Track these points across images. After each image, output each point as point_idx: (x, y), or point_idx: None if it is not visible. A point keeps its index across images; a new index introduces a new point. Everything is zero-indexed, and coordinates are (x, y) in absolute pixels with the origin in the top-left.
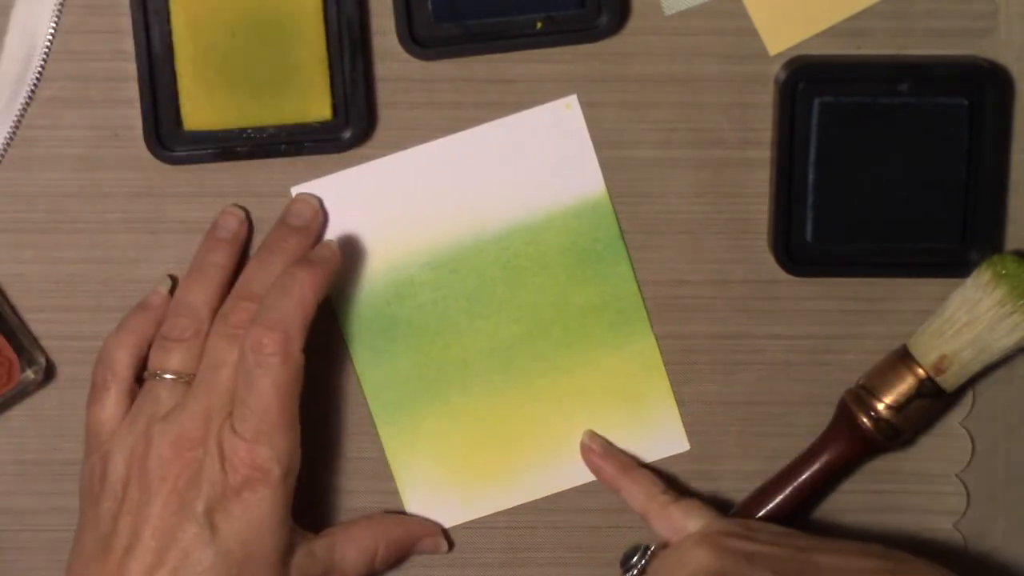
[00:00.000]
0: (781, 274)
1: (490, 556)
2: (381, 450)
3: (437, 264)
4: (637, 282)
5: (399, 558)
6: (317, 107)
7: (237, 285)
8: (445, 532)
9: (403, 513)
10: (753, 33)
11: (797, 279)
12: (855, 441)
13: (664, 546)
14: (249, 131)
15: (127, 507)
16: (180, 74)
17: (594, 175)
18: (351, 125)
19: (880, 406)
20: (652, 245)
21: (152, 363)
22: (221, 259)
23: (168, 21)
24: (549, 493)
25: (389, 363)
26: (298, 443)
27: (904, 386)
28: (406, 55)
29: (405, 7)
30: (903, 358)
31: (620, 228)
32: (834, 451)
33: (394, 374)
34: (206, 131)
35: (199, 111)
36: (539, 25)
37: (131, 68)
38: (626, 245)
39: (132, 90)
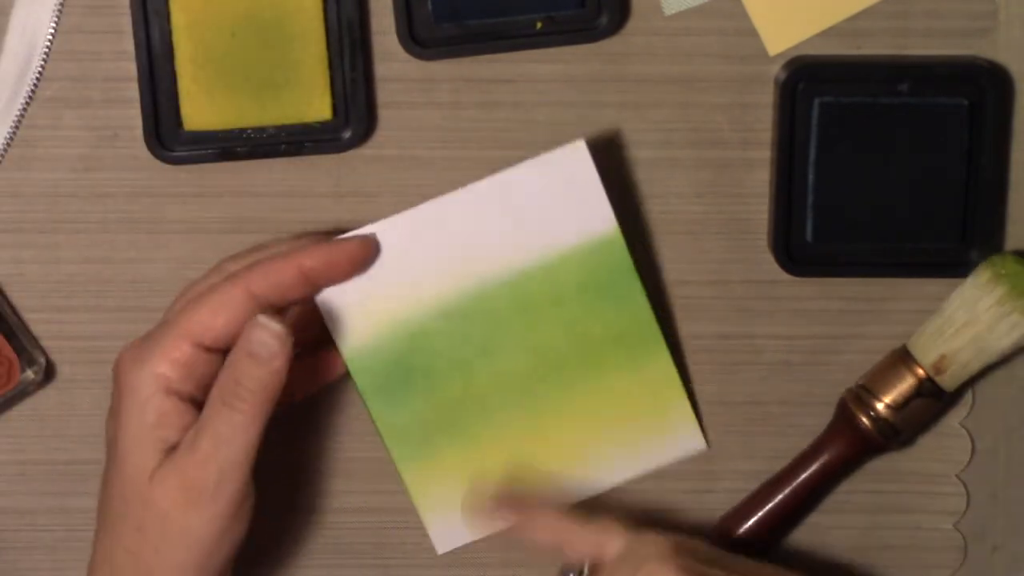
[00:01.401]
0: (781, 274)
1: (490, 556)
2: (380, 450)
3: (450, 313)
4: (653, 310)
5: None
6: (317, 107)
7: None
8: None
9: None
10: (753, 33)
11: (797, 279)
12: (855, 441)
13: (594, 567)
14: (249, 131)
15: None
16: (180, 74)
17: (605, 213)
18: (351, 125)
19: (880, 406)
20: (652, 245)
21: None
22: None
23: (168, 21)
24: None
25: (406, 409)
26: None
27: (904, 386)
28: (406, 55)
29: (405, 7)
30: (903, 358)
31: (634, 263)
32: (834, 451)
33: (411, 417)
34: (206, 131)
35: (199, 111)
36: (539, 25)
37: (131, 68)
38: (641, 279)
39: (132, 90)
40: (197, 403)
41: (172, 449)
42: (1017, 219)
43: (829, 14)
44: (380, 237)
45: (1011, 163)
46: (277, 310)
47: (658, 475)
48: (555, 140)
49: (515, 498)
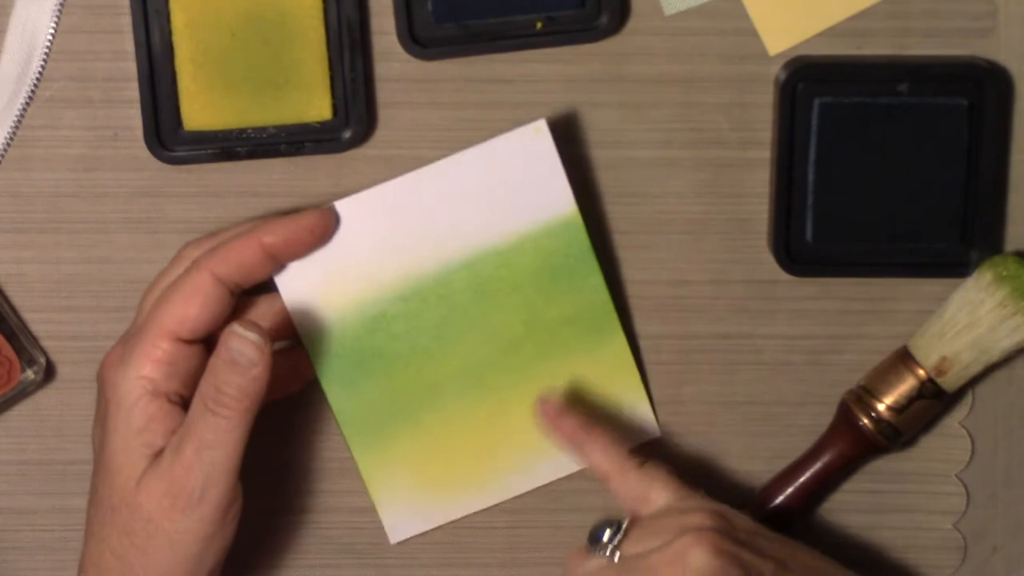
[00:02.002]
0: (781, 274)
1: (490, 556)
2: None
3: (408, 296)
4: (608, 290)
5: None
6: (317, 107)
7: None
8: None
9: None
10: (753, 33)
11: (797, 279)
12: (856, 442)
13: (633, 520)
14: (249, 131)
15: None
16: (180, 74)
17: (565, 195)
18: (351, 125)
19: (881, 407)
20: (652, 245)
21: None
22: None
23: (168, 21)
24: (526, 491)
25: (361, 394)
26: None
27: (905, 387)
28: (406, 55)
29: (405, 7)
30: (904, 359)
31: (592, 242)
32: (835, 451)
33: (367, 403)
34: (206, 131)
35: (199, 111)
36: (539, 25)
37: (131, 68)
38: (598, 258)
39: (132, 90)
40: (183, 401)
41: (158, 454)
42: (1017, 219)
43: (829, 14)
44: (341, 213)
45: (1011, 163)
46: (262, 305)
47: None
48: (555, 140)
49: (581, 418)
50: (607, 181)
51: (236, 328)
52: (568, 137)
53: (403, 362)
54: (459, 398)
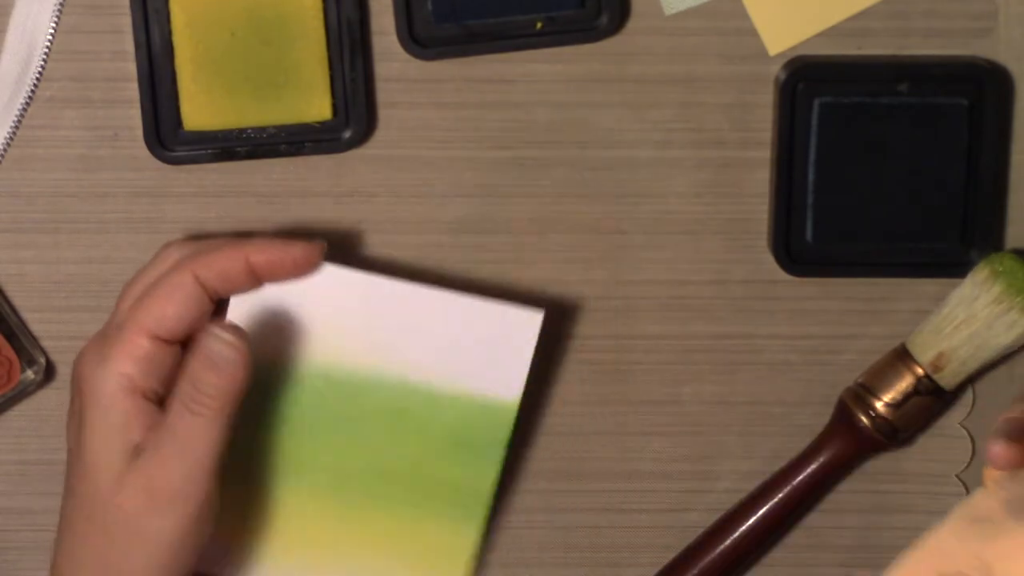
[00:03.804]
0: (781, 274)
1: (490, 556)
2: None
3: (332, 381)
4: (495, 492)
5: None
6: (317, 107)
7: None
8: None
9: None
10: (753, 33)
11: (797, 279)
12: (854, 440)
13: None
14: (249, 131)
15: None
16: (180, 74)
17: (517, 385)
18: (351, 125)
19: (878, 404)
20: (652, 245)
21: None
22: None
23: (168, 21)
24: None
25: (239, 434)
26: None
27: (902, 384)
28: (406, 55)
29: (405, 7)
30: (901, 356)
31: (511, 441)
32: (833, 450)
33: (238, 446)
34: (206, 131)
35: (199, 111)
36: (539, 25)
37: (131, 68)
38: (505, 459)
39: (132, 90)
40: (160, 399)
41: (137, 451)
42: (1017, 219)
43: (829, 14)
44: (323, 275)
45: (1011, 163)
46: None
47: (658, 475)
48: (555, 140)
49: None
50: (607, 181)
51: (214, 329)
52: (569, 137)
53: (289, 430)
54: (316, 490)
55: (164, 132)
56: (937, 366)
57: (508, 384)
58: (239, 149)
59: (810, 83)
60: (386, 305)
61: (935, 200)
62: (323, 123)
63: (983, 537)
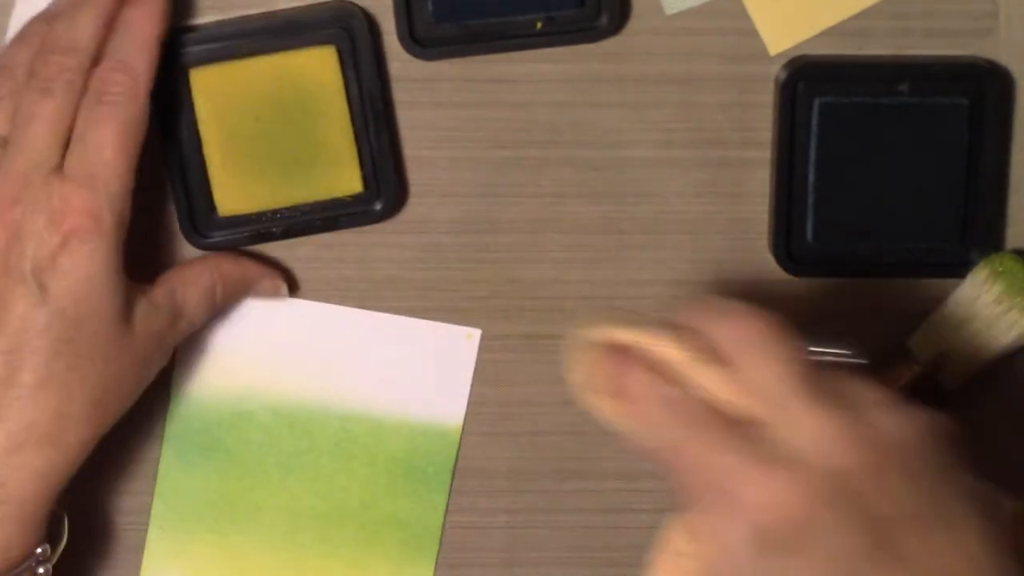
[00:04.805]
0: (781, 274)
1: (490, 556)
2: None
3: (281, 414)
4: (444, 519)
5: (238, 297)
6: (347, 181)
7: (43, 41)
8: (289, 274)
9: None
10: (753, 33)
11: (797, 279)
12: None
13: None
14: (283, 211)
15: None
16: (209, 162)
17: (459, 408)
18: (383, 196)
19: None
20: (652, 245)
21: None
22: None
23: (193, 111)
24: None
25: (190, 477)
26: (131, 192)
27: (902, 383)
28: (407, 55)
29: (405, 7)
30: (901, 356)
31: (455, 464)
32: None
33: (189, 489)
34: (240, 215)
35: (231, 196)
36: (539, 25)
37: (161, 158)
38: (451, 483)
39: (163, 177)
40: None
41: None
42: (1017, 219)
43: (829, 14)
44: (262, 305)
45: (1011, 163)
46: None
47: (658, 475)
48: (555, 140)
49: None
50: (607, 181)
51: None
52: (569, 137)
53: (241, 471)
54: (269, 534)
55: (198, 219)
56: (938, 366)
57: (451, 408)
58: (274, 229)
59: (810, 83)
60: (325, 331)
61: (935, 200)
62: (355, 196)
63: None
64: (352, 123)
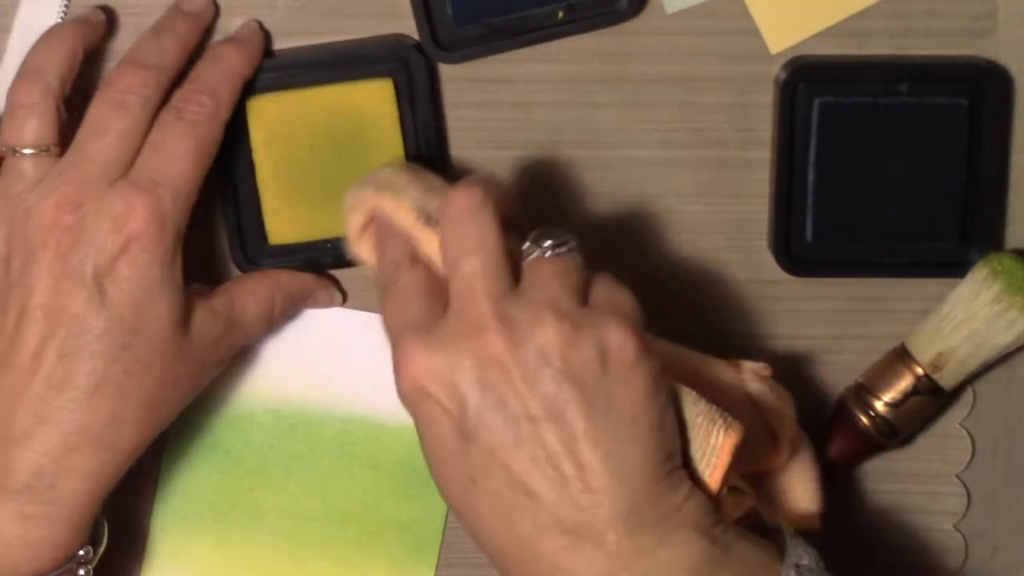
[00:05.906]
0: (781, 274)
1: None
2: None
3: (283, 416)
4: (445, 521)
5: (295, 310)
6: None
7: (125, 55)
8: (338, 283)
9: None
10: (753, 33)
11: (797, 279)
12: (853, 439)
13: None
14: (333, 241)
15: (12, 280)
16: (262, 190)
17: None
18: None
19: (878, 404)
20: (652, 245)
21: (7, 138)
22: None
23: (248, 139)
24: None
25: (192, 479)
26: (191, 209)
27: (901, 383)
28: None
29: (425, 12)
30: (901, 356)
31: None
32: (832, 449)
33: (190, 491)
34: (291, 244)
35: (283, 225)
36: (560, 15)
37: (214, 186)
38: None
39: (215, 206)
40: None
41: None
42: (1017, 219)
43: (829, 14)
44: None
45: (1011, 163)
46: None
47: None
48: (555, 140)
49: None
50: (607, 181)
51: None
52: (569, 137)
53: (243, 472)
54: (270, 535)
55: (249, 247)
56: (937, 365)
57: None
58: (324, 259)
59: (810, 83)
60: (328, 333)
61: (935, 200)
62: None
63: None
64: (406, 155)
